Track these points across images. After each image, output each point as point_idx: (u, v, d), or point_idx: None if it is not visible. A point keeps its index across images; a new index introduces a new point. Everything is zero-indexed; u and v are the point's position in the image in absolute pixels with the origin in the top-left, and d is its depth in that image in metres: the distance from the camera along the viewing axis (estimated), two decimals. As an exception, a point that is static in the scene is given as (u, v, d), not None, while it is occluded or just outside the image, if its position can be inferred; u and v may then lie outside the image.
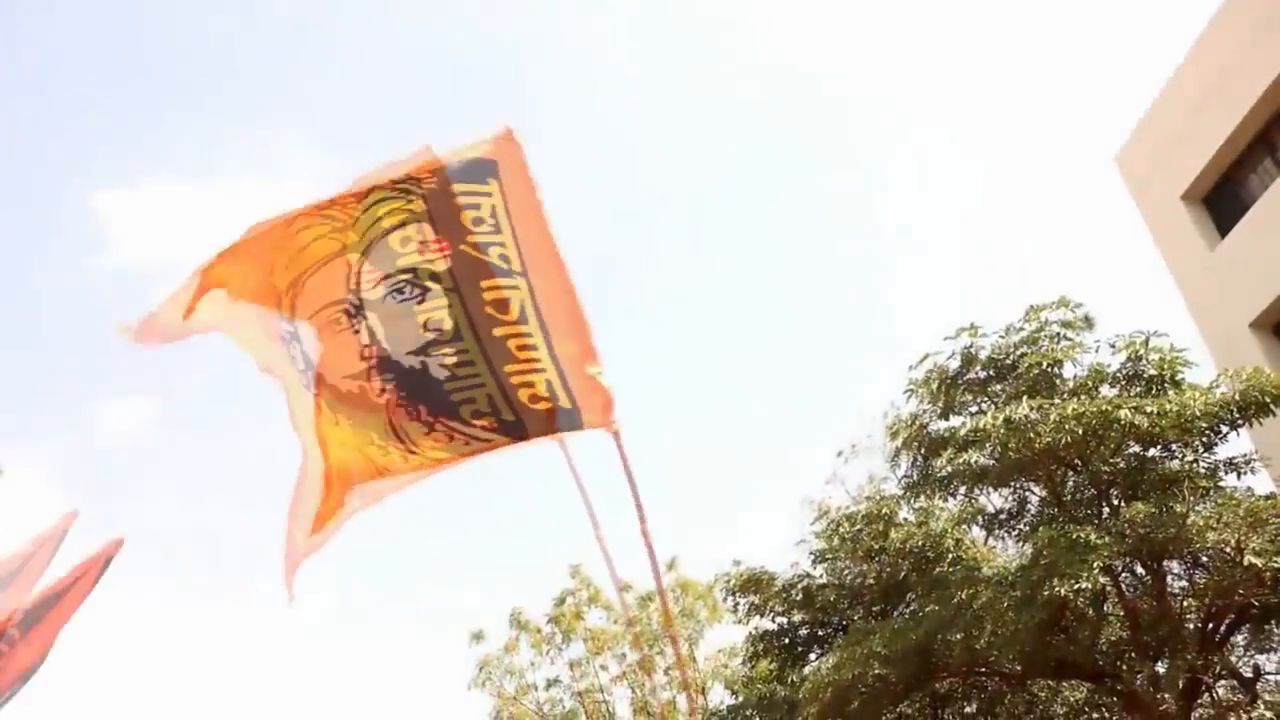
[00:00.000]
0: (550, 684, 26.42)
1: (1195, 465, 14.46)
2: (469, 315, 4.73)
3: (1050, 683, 16.50)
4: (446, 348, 4.76)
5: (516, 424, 4.75)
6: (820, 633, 18.68)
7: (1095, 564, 12.51)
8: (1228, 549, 12.95)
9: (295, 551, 5.01)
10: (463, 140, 4.87)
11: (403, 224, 4.79)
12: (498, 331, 4.69)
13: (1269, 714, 12.66)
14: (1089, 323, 15.69)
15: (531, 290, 4.67)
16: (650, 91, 64.80)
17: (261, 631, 52.86)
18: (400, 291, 4.80)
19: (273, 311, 4.90)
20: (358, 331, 4.85)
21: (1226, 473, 14.53)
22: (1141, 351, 14.85)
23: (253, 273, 4.83)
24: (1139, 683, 13.65)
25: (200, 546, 56.74)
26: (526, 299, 4.67)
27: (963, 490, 15.92)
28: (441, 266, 4.76)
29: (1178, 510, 13.27)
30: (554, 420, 4.68)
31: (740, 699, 21.80)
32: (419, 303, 4.78)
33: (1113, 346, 15.23)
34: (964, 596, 13.87)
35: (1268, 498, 13.33)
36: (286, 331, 4.94)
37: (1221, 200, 20.47)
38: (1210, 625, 14.33)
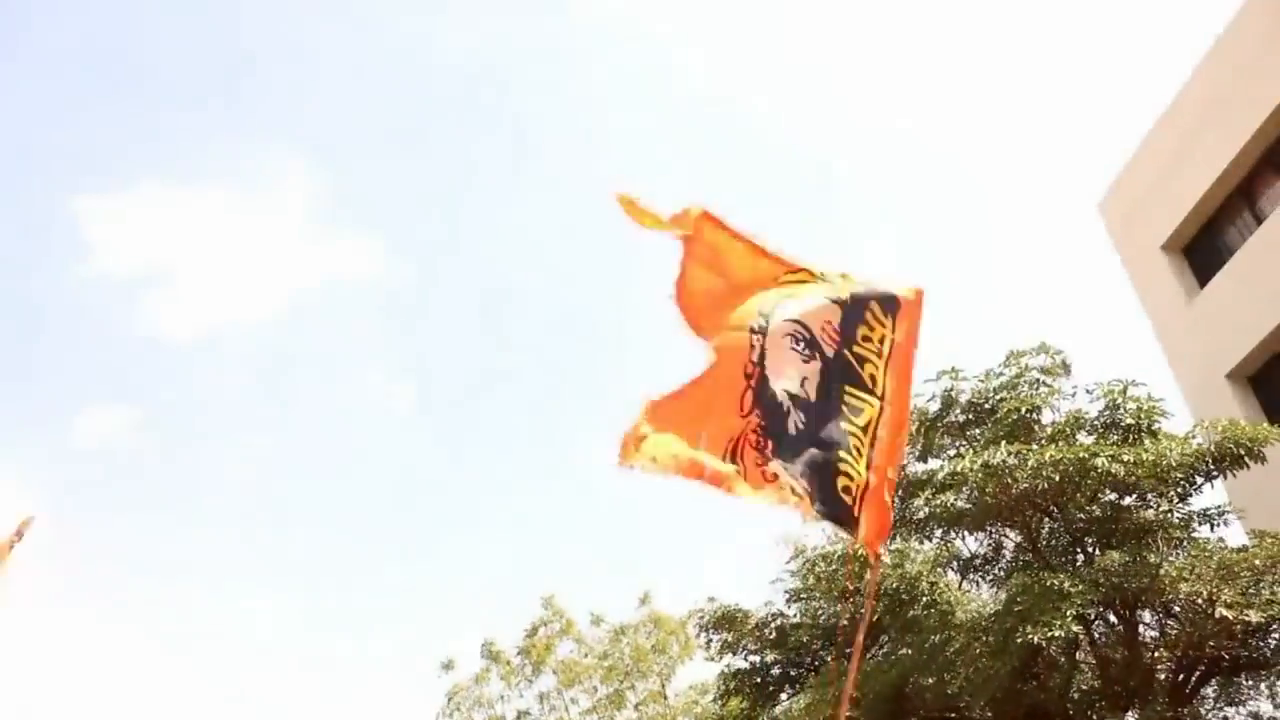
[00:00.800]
0: (520, 716, 26.20)
1: (1170, 515, 14.51)
2: (824, 398, 5.39)
3: (1021, 730, 16.45)
4: (795, 413, 5.36)
5: (825, 501, 5.31)
6: (793, 672, 18.59)
7: (1069, 612, 12.51)
8: (1200, 600, 12.98)
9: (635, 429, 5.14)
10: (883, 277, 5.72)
11: (822, 294, 5.53)
12: (843, 425, 5.34)
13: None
14: (1065, 368, 15.75)
15: (880, 414, 5.39)
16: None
17: (231, 645, 52.21)
18: (796, 339, 5.46)
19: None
20: (753, 347, 5.41)
21: (1200, 524, 14.56)
22: (1119, 399, 14.92)
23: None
24: (1110, 733, 13.62)
25: (174, 555, 56.13)
26: (874, 417, 5.38)
27: (939, 533, 15.93)
28: (828, 351, 5.46)
29: (1151, 560, 13.31)
30: (847, 513, 5.27)
31: (710, 737, 21.68)
32: (805, 360, 5.46)
33: (1090, 393, 15.32)
34: (938, 640, 13.84)
35: (1239, 550, 13.37)
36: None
37: (1201, 251, 20.65)
38: (1181, 676, 14.34)
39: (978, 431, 15.57)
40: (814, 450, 5.26)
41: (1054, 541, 15.29)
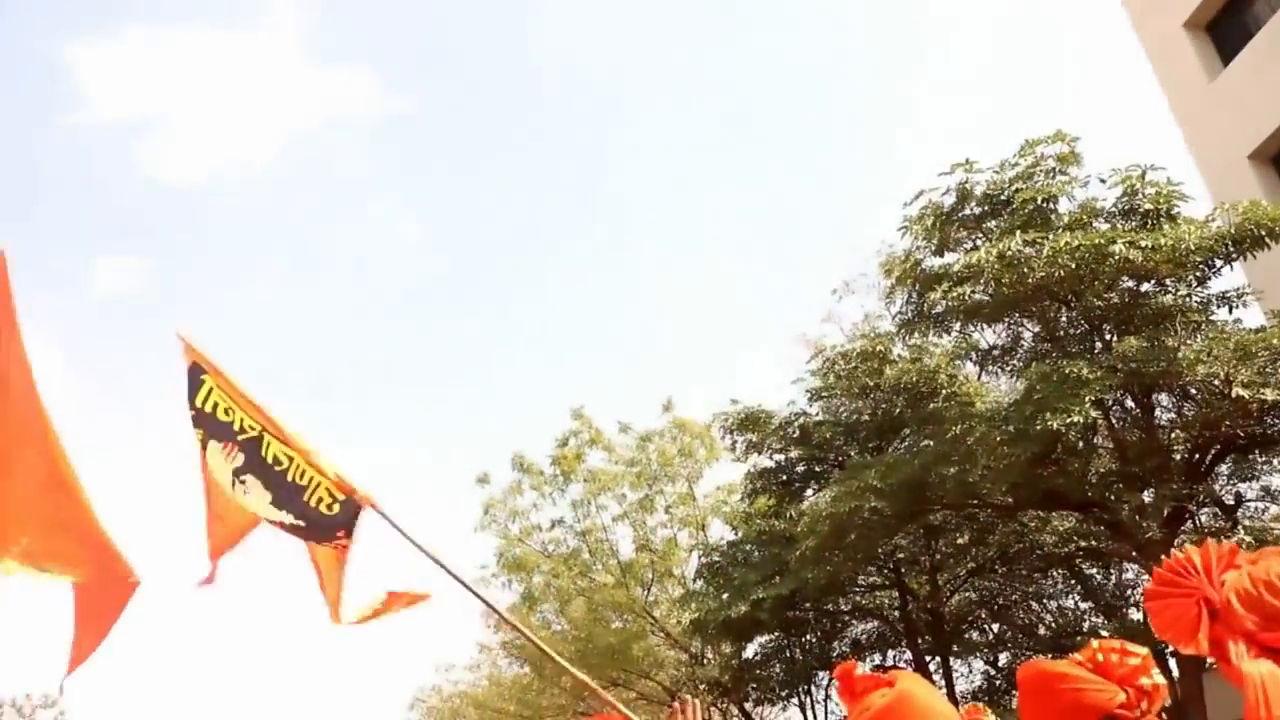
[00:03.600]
0: (554, 524, 26.94)
1: (1188, 299, 14.53)
2: (271, 488, 5.33)
3: (1040, 513, 16.91)
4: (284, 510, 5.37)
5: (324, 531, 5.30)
6: (817, 469, 19.05)
7: (1087, 398, 12.70)
8: (1216, 382, 13.15)
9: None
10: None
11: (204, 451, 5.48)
12: (289, 478, 5.30)
13: (1248, 538, 13.02)
14: (1076, 158, 15.47)
15: (275, 439, 5.33)
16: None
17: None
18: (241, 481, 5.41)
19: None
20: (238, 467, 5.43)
21: (1219, 306, 14.59)
22: (1137, 185, 14.75)
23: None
24: (1125, 512, 13.99)
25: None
26: (279, 447, 5.33)
27: (957, 326, 16.02)
28: (239, 461, 5.37)
29: (1169, 344, 13.43)
30: (346, 512, 5.25)
31: (739, 534, 22.34)
32: (245, 495, 5.39)
33: (1103, 181, 15.12)
34: (958, 431, 14.08)
35: (1257, 331, 13.46)
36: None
37: (1224, 27, 20.04)
38: (1196, 456, 14.64)
39: (993, 224, 15.44)
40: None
41: (1072, 330, 15.37)
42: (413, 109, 63.45)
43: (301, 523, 5.28)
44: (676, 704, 3.31)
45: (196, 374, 5.45)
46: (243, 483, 5.34)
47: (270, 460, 5.33)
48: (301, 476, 5.28)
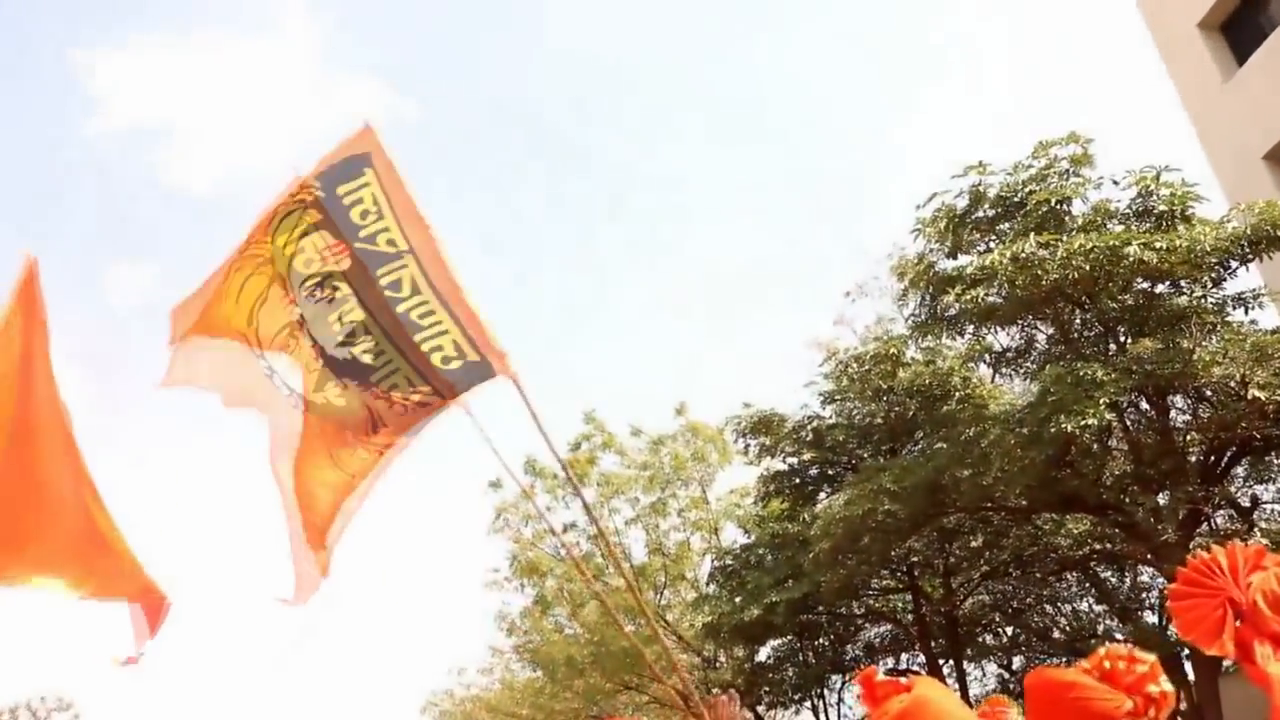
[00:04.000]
0: (567, 528, 26.94)
1: (1203, 301, 14.45)
2: (368, 308, 5.07)
3: (1054, 516, 16.85)
4: (364, 340, 5.11)
5: (434, 391, 5.04)
6: (830, 472, 19.01)
7: (1101, 400, 12.64)
8: (1232, 383, 13.07)
9: (309, 575, 5.19)
10: (333, 144, 5.23)
11: (303, 238, 5.14)
12: (400, 309, 5.03)
13: (1264, 541, 12.93)
14: (1090, 159, 15.43)
15: (420, 264, 5.03)
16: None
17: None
18: (313, 296, 5.15)
19: (249, 348, 5.22)
20: (312, 343, 5.19)
21: (1234, 308, 14.50)
22: (1152, 186, 14.70)
23: (218, 317, 5.15)
24: (1141, 514, 13.92)
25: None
26: (417, 273, 5.03)
27: (970, 328, 15.98)
28: (344, 265, 5.11)
29: (1184, 346, 13.36)
30: (469, 374, 4.99)
31: (752, 538, 22.32)
32: (329, 303, 5.14)
33: (1116, 183, 15.09)
34: (972, 434, 14.05)
35: (1274, 332, 13.38)
36: (265, 367, 5.24)
37: (1239, 27, 19.96)
38: (1212, 458, 14.55)
39: (1007, 226, 15.41)
40: (390, 369, 5.06)
41: (1086, 332, 15.31)
42: (424, 118, 63.49)
43: (383, 366, 4.98)
44: (714, 698, 3.34)
45: (359, 165, 5.13)
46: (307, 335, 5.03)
47: (387, 283, 5.01)
48: (425, 316, 4.98)
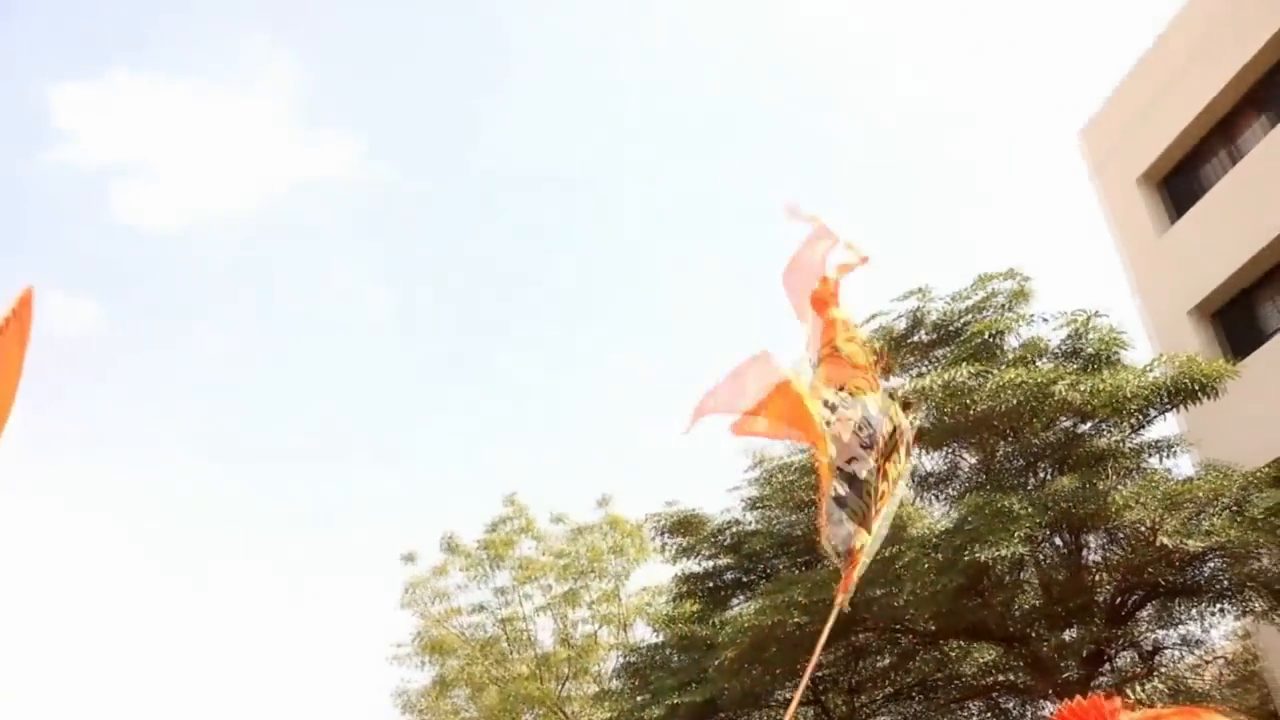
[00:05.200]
0: (476, 609, 26.58)
1: (1123, 444, 14.79)
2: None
3: (962, 643, 16.90)
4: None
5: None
6: (745, 579, 18.91)
7: (1018, 533, 12.80)
8: (1144, 528, 13.33)
9: (716, 403, 5.17)
10: None
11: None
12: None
13: (1162, 686, 13.11)
14: (1027, 296, 15.85)
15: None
16: None
17: (198, 531, 52.55)
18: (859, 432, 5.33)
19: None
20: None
21: (1152, 454, 14.87)
22: (1083, 329, 15.11)
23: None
24: (1046, 649, 14.03)
25: (142, 444, 56.08)
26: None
27: (897, 450, 16.12)
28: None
29: (1101, 487, 13.62)
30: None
31: (662, 637, 22.10)
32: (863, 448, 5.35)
33: (1047, 321, 15.49)
34: (888, 554, 14.13)
35: (1185, 481, 13.68)
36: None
37: (1177, 185, 20.74)
38: (1119, 599, 14.76)
39: (942, 352, 15.73)
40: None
41: (1009, 464, 15.56)
42: (394, 180, 63.48)
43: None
44: None
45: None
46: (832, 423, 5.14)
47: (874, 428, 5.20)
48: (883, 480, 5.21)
